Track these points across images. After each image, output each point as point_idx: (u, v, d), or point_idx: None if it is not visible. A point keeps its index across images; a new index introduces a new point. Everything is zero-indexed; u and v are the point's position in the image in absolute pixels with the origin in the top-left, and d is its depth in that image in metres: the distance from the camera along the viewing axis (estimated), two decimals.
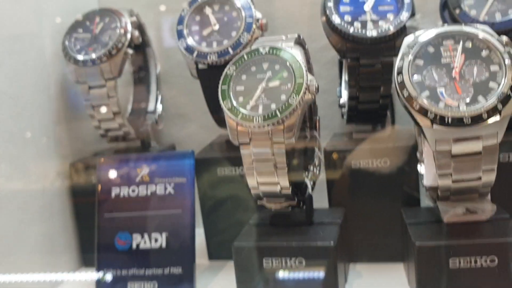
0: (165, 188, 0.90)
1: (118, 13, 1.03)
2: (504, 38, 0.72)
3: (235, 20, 0.95)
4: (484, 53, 0.72)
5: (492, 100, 0.68)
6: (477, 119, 0.68)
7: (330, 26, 0.87)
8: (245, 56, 0.78)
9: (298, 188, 0.83)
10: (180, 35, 0.96)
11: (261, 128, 0.73)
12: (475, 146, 0.69)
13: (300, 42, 0.81)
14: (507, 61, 0.70)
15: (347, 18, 0.87)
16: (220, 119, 0.98)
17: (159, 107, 1.14)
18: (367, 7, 0.88)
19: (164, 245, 0.88)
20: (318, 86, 0.75)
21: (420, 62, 0.72)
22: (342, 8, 0.88)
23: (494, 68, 0.71)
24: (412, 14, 0.86)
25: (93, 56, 0.98)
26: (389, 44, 0.85)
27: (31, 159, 0.97)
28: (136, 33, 1.01)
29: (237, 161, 0.93)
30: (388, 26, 0.85)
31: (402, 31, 0.85)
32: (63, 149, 1.06)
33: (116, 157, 0.98)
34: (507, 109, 0.68)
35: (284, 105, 0.73)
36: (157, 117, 1.13)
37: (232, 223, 0.95)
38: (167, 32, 1.16)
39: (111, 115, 1.01)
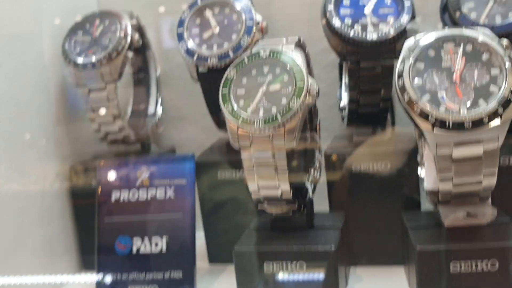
0: (165, 192, 0.90)
1: (118, 15, 1.02)
2: (505, 41, 0.72)
3: (235, 23, 0.94)
4: (485, 56, 0.71)
5: (492, 104, 0.68)
6: (478, 123, 0.68)
7: (330, 29, 0.87)
8: (246, 60, 0.78)
9: (299, 192, 0.83)
10: (180, 38, 0.95)
11: (262, 131, 0.73)
12: (476, 150, 0.69)
13: (300, 45, 0.81)
14: (507, 65, 0.70)
15: (348, 21, 0.87)
16: (220, 122, 0.98)
17: (159, 110, 1.14)
18: (368, 10, 0.87)
19: (164, 249, 0.88)
20: (319, 89, 0.75)
21: (420, 65, 0.72)
22: (343, 11, 0.88)
23: (494, 71, 0.71)
24: (413, 17, 0.86)
25: (93, 59, 0.98)
26: (390, 47, 0.85)
27: (31, 162, 0.97)
28: (136, 36, 1.01)
29: (237, 164, 0.93)
30: (388, 29, 0.85)
31: (403, 34, 0.85)
32: (63, 152, 1.06)
33: (116, 161, 0.97)
34: (508, 113, 0.68)
35: (284, 109, 0.73)
36: (157, 120, 1.13)
37: (233, 227, 0.95)
38: (167, 34, 1.16)
39: (111, 118, 1.01)
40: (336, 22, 0.86)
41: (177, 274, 0.87)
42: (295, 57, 0.76)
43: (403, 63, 0.72)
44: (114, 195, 0.92)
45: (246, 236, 0.85)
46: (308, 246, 0.79)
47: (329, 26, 0.87)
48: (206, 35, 0.95)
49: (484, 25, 0.83)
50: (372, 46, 0.85)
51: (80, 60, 0.99)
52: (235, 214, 0.97)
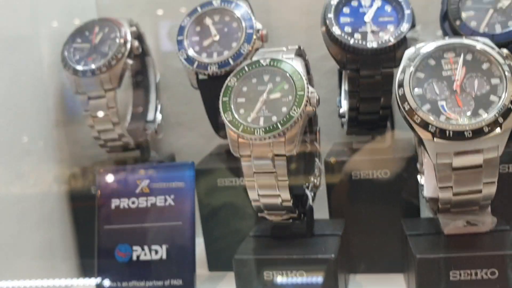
0: (165, 200, 0.90)
1: (118, 22, 1.02)
2: (505, 51, 0.72)
3: (235, 30, 0.94)
4: (485, 66, 0.72)
5: (493, 113, 0.68)
6: (478, 133, 0.68)
7: (330, 37, 0.87)
8: (246, 68, 0.78)
9: (299, 199, 0.83)
10: (180, 45, 0.95)
11: (262, 140, 0.73)
12: (476, 159, 0.69)
13: (300, 54, 0.81)
14: (507, 74, 0.70)
15: (347, 29, 0.87)
16: (220, 130, 0.98)
17: (159, 116, 1.14)
18: (368, 18, 0.87)
19: (164, 257, 0.88)
20: (319, 98, 0.75)
21: (421, 75, 0.72)
22: (342, 19, 0.88)
23: (494, 81, 0.71)
24: (413, 26, 0.86)
25: (93, 66, 0.98)
26: (390, 55, 0.85)
27: (31, 166, 0.97)
28: (136, 43, 1.01)
29: (237, 172, 0.93)
30: (388, 37, 0.85)
31: (403, 43, 0.85)
32: (62, 156, 1.06)
33: (116, 168, 0.97)
34: (508, 123, 0.68)
35: (285, 118, 0.73)
36: (156, 126, 1.13)
37: (232, 234, 0.95)
38: (167, 40, 1.16)
39: (110, 126, 1.01)
40: (336, 30, 0.86)
41: (177, 282, 0.86)
42: (296, 66, 0.76)
43: (403, 73, 0.72)
44: (114, 203, 0.91)
45: (246, 244, 0.85)
46: (308, 254, 0.79)
47: (329, 34, 0.87)
48: (206, 42, 0.95)
49: (484, 34, 0.83)
50: (372, 54, 0.85)
51: (79, 67, 0.99)
52: (234, 221, 0.97)
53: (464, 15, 0.86)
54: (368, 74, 0.87)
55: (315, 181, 0.91)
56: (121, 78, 0.99)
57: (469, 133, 0.68)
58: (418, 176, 0.86)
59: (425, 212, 0.88)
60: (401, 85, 0.72)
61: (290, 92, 0.75)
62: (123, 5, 1.19)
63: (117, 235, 0.90)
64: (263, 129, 0.73)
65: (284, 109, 0.74)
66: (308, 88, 0.74)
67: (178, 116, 1.19)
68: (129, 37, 1.01)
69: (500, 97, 0.69)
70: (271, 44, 0.96)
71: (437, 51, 0.73)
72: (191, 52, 0.95)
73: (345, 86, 0.96)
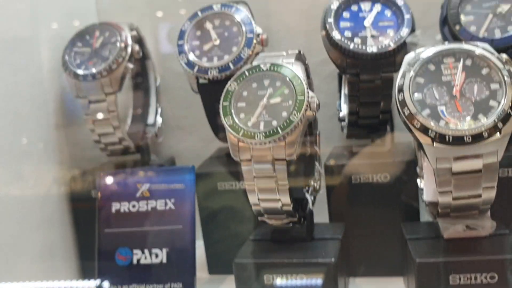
0: (166, 204, 0.90)
1: (118, 27, 1.03)
2: (504, 56, 0.72)
3: (235, 35, 0.95)
4: (485, 71, 0.72)
5: (492, 118, 0.69)
6: (477, 138, 0.68)
7: (330, 41, 0.87)
8: (246, 73, 0.78)
9: (299, 203, 0.83)
10: (181, 50, 0.96)
11: (263, 144, 0.73)
12: (476, 164, 0.69)
13: (300, 58, 0.81)
14: (507, 79, 0.70)
15: (347, 33, 0.87)
16: (220, 133, 0.98)
17: (159, 120, 1.14)
18: (367, 22, 0.88)
19: (164, 260, 0.88)
20: (319, 103, 0.75)
21: (421, 80, 0.73)
22: (342, 24, 0.88)
23: (494, 86, 0.71)
24: (412, 30, 0.86)
25: (93, 70, 0.99)
26: (389, 60, 0.85)
27: (31, 168, 0.97)
28: (137, 47, 1.01)
29: (237, 175, 0.93)
30: (388, 42, 0.85)
31: (402, 47, 0.85)
32: (62, 158, 1.06)
33: (116, 172, 0.97)
34: (508, 128, 0.68)
35: (285, 122, 0.73)
36: (156, 130, 1.13)
37: (233, 238, 0.95)
38: (167, 44, 1.17)
39: (111, 129, 1.01)
40: (336, 35, 0.86)
41: (177, 286, 0.87)
42: (296, 70, 0.76)
43: (403, 78, 0.73)
44: (114, 207, 0.91)
45: (246, 247, 0.85)
46: (308, 258, 0.79)
47: (329, 39, 0.87)
48: (206, 47, 0.96)
49: (484, 38, 0.84)
50: (372, 59, 0.85)
51: (80, 71, 0.99)
52: (234, 225, 0.97)
53: (463, 20, 0.87)
54: (368, 79, 0.87)
55: (315, 184, 0.91)
56: (121, 82, 1.00)
57: (469, 138, 0.68)
58: (418, 180, 0.86)
59: (425, 216, 0.88)
60: (401, 90, 0.72)
61: (290, 96, 0.75)
62: (123, 8, 1.19)
63: (118, 239, 0.90)
64: (264, 134, 0.73)
65: (284, 114, 0.74)
66: (308, 93, 0.74)
67: (178, 119, 1.19)
68: (129, 41, 1.01)
69: (499, 102, 0.70)
70: (271, 48, 0.96)
71: (436, 56, 0.73)
72: (191, 56, 0.95)
73: (345, 90, 0.96)
